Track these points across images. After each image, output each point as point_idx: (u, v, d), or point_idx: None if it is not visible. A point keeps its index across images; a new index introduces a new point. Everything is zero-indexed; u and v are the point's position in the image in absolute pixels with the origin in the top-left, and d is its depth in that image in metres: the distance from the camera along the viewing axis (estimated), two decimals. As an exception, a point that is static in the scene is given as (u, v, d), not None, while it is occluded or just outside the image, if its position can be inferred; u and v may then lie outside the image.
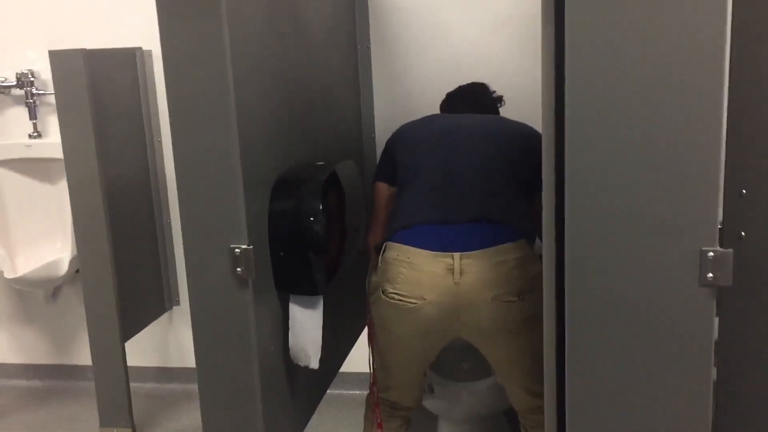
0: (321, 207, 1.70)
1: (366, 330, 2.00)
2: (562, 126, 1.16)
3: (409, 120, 2.05)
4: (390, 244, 1.77)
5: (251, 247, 1.36)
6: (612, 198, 1.16)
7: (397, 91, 2.53)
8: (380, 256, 1.79)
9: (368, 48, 2.53)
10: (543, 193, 1.22)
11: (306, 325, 1.75)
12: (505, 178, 1.80)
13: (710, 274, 1.14)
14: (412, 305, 1.70)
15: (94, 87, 2.33)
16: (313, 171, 1.81)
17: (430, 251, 1.69)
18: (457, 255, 1.67)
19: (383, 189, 2.00)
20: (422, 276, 1.69)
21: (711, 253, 1.14)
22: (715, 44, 1.09)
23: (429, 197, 1.79)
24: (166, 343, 3.12)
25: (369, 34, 2.53)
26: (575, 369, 1.21)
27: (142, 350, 3.09)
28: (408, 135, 1.96)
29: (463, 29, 2.46)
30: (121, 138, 2.58)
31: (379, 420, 1.94)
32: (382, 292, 1.75)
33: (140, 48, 2.69)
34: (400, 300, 1.71)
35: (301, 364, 1.75)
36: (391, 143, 2.00)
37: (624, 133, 1.13)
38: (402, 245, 1.73)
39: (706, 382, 1.18)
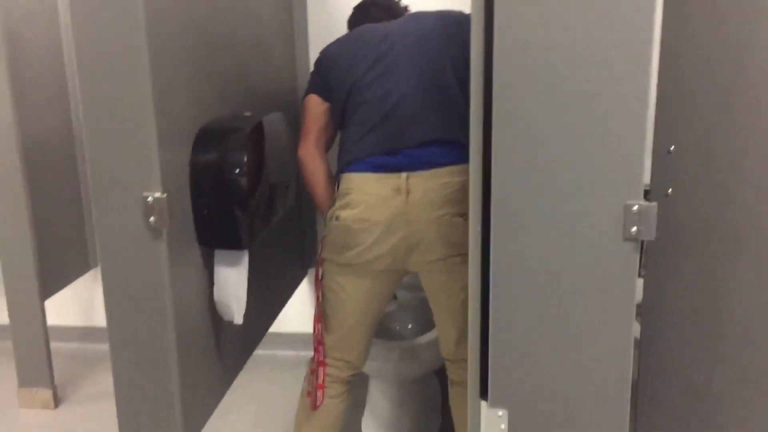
0: (246, 159, 1.63)
1: (312, 288, 1.96)
2: (490, 78, 1.12)
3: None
4: (342, 175, 1.80)
5: (165, 195, 1.29)
6: (538, 149, 1.13)
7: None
8: (337, 188, 1.82)
9: (304, -3, 2.44)
10: (471, 149, 1.19)
11: (230, 281, 1.70)
12: (451, 87, 1.76)
13: (634, 228, 1.13)
14: (363, 226, 1.73)
15: (8, 28, 2.19)
16: (239, 121, 1.73)
17: (378, 174, 1.73)
18: (404, 175, 1.71)
19: (317, 101, 1.90)
20: (372, 198, 1.73)
21: (635, 207, 1.12)
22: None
23: (374, 131, 1.77)
24: (92, 301, 3.02)
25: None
26: (499, 322, 1.20)
27: (64, 309, 2.98)
28: (340, 56, 1.86)
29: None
30: (42, 86, 2.43)
31: (320, 380, 1.89)
32: (336, 219, 1.78)
33: (62, -12, 2.53)
34: (352, 222, 1.74)
35: (225, 318, 1.70)
36: (321, 64, 1.91)
37: (552, 85, 1.11)
38: (351, 174, 1.77)
39: (627, 336, 1.18)
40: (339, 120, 1.87)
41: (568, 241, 1.16)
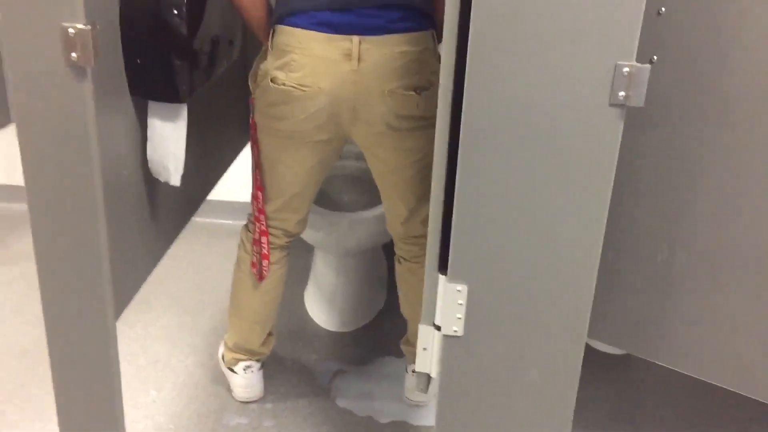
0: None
1: (248, 149, 1.76)
2: None
3: None
4: (280, 27, 1.55)
5: (89, 27, 1.10)
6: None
7: None
8: (270, 41, 1.57)
9: None
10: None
11: (167, 137, 1.54)
12: None
13: (622, 93, 1.02)
14: (304, 92, 1.53)
15: None
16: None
17: (325, 34, 1.51)
18: (356, 38, 1.50)
19: None
20: (317, 62, 1.52)
21: (626, 69, 1.01)
22: None
23: None
24: (12, 157, 2.80)
25: None
26: (465, 191, 1.09)
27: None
28: None
29: None
30: None
31: (264, 250, 1.78)
32: (271, 81, 1.56)
33: None
34: (292, 87, 1.54)
35: (161, 179, 1.56)
36: None
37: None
38: (294, 28, 1.53)
39: (602, 211, 1.10)
40: None
41: (548, 102, 1.04)
